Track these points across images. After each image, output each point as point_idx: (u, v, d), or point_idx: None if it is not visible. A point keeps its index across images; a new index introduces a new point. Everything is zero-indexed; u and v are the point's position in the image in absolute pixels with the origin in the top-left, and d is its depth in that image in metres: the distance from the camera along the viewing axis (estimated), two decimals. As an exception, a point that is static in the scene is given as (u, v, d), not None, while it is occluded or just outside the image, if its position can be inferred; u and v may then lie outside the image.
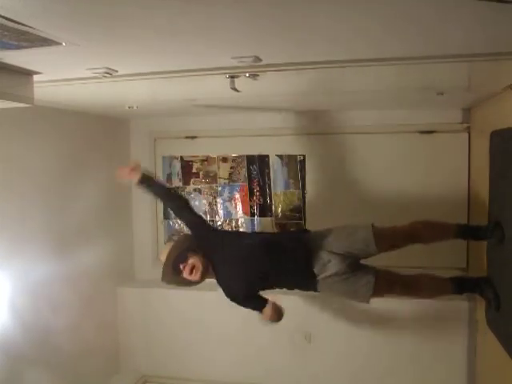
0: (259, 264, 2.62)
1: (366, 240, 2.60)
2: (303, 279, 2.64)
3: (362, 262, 2.71)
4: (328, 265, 2.57)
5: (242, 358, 3.63)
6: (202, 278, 2.64)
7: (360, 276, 2.59)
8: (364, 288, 2.58)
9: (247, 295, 2.71)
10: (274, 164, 3.82)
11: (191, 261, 2.59)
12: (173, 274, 2.61)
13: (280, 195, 3.83)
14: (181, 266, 2.58)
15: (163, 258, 2.62)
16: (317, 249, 2.62)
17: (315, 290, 2.65)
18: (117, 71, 1.94)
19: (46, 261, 2.91)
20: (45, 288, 2.91)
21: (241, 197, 3.91)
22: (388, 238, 2.66)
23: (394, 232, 2.69)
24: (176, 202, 2.83)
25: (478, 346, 3.23)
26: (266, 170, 3.84)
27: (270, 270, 2.62)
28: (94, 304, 3.51)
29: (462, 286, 2.76)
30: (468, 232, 2.78)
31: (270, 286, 2.73)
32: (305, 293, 2.85)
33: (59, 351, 3.04)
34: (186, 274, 2.59)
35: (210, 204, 3.97)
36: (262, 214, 3.87)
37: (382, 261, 2.72)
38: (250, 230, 3.83)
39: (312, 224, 3.71)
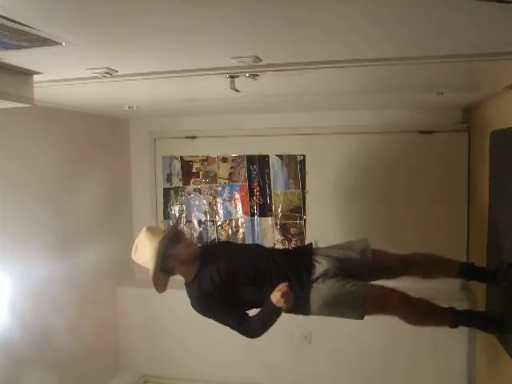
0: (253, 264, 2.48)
1: (363, 246, 2.51)
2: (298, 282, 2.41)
3: None
4: (318, 266, 2.44)
5: (241, 357, 3.62)
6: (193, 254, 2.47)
7: (350, 280, 2.39)
8: (353, 294, 2.33)
9: (227, 300, 2.46)
10: (274, 164, 3.82)
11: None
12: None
13: (280, 195, 3.83)
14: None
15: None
16: (312, 257, 2.52)
17: (307, 301, 2.40)
18: (117, 71, 1.93)
19: (46, 260, 2.91)
20: (45, 288, 2.91)
21: (241, 197, 3.90)
22: (385, 259, 2.53)
23: (393, 254, 2.56)
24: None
25: (478, 346, 3.23)
26: (266, 170, 3.84)
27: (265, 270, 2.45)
28: (94, 304, 3.51)
29: (460, 318, 2.51)
30: (474, 273, 2.58)
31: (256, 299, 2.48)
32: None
33: (59, 351, 3.04)
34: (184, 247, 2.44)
35: (210, 204, 3.97)
36: (262, 214, 3.87)
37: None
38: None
39: (312, 224, 3.73)
